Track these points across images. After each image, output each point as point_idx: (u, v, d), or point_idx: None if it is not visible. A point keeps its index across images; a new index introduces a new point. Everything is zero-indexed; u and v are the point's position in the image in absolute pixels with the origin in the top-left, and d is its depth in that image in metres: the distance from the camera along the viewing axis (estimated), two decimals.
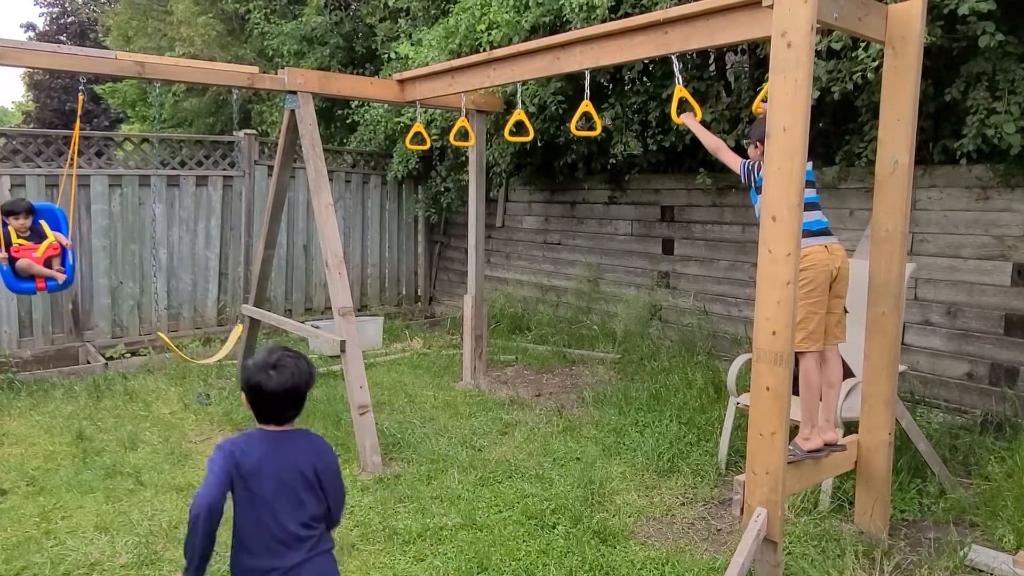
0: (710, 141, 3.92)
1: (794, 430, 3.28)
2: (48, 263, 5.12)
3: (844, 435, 3.69)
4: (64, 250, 5.23)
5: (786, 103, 2.75)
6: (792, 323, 2.80)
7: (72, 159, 5.29)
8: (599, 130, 4.77)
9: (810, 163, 3.51)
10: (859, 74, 4.33)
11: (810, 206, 3.32)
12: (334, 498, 2.20)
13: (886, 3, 3.28)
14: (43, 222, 5.21)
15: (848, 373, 4.10)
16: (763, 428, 2.89)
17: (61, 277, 5.16)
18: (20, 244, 5.03)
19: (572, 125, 4.70)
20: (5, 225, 4.98)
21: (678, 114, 3.88)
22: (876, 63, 4.12)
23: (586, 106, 4.36)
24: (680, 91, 3.82)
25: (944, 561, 3.22)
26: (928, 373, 5.04)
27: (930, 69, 4.35)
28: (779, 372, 2.83)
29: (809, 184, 3.50)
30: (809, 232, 3.30)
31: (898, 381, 3.48)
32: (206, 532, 1.99)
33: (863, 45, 4.27)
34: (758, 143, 3.65)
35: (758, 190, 3.57)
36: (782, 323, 2.80)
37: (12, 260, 4.97)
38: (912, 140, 3.23)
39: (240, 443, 2.11)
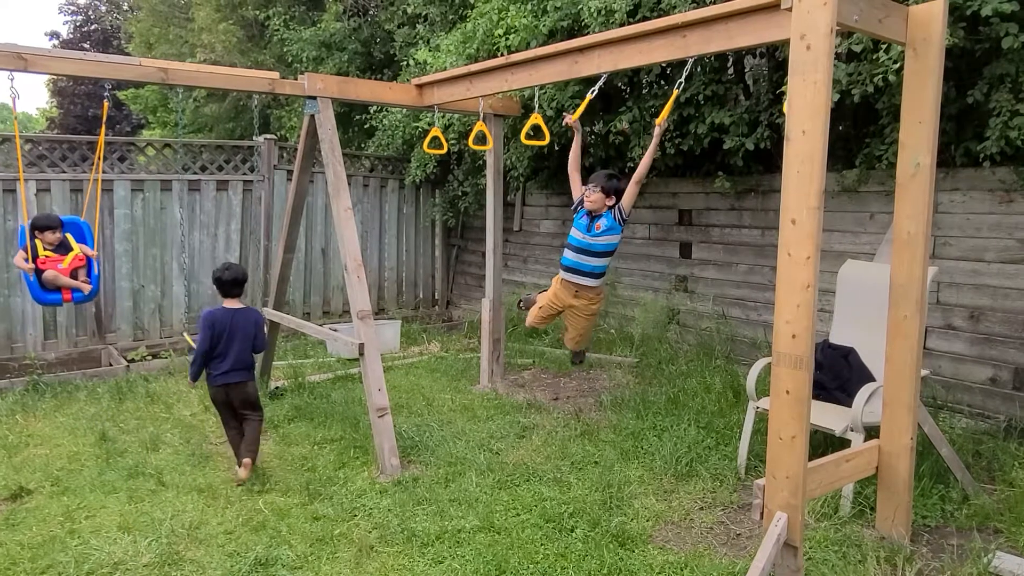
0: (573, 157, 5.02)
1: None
2: (74, 274, 5.21)
3: (865, 439, 3.67)
4: (89, 261, 5.32)
5: (805, 106, 2.74)
6: (812, 326, 2.78)
7: (97, 164, 5.35)
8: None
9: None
10: (880, 76, 4.30)
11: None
12: (260, 338, 4.48)
13: (907, 4, 3.26)
14: (68, 235, 5.30)
15: (868, 377, 4.08)
16: (783, 432, 2.87)
17: (87, 288, 5.26)
18: (47, 256, 5.12)
19: (573, 114, 4.77)
20: (33, 239, 5.07)
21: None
22: (897, 65, 4.09)
23: (586, 102, 4.48)
24: (672, 97, 4.14)
25: (968, 568, 3.18)
26: (950, 378, 4.98)
27: (952, 71, 4.31)
28: (799, 376, 2.81)
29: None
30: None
31: (920, 385, 3.45)
32: (203, 364, 4.29)
33: (884, 47, 4.24)
34: (599, 189, 4.68)
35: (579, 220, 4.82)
36: (802, 327, 2.78)
37: (39, 272, 5.06)
38: (934, 143, 3.21)
39: (215, 315, 4.31)
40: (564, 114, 4.82)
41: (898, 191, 3.32)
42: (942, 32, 3.14)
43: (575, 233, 4.84)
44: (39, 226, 5.15)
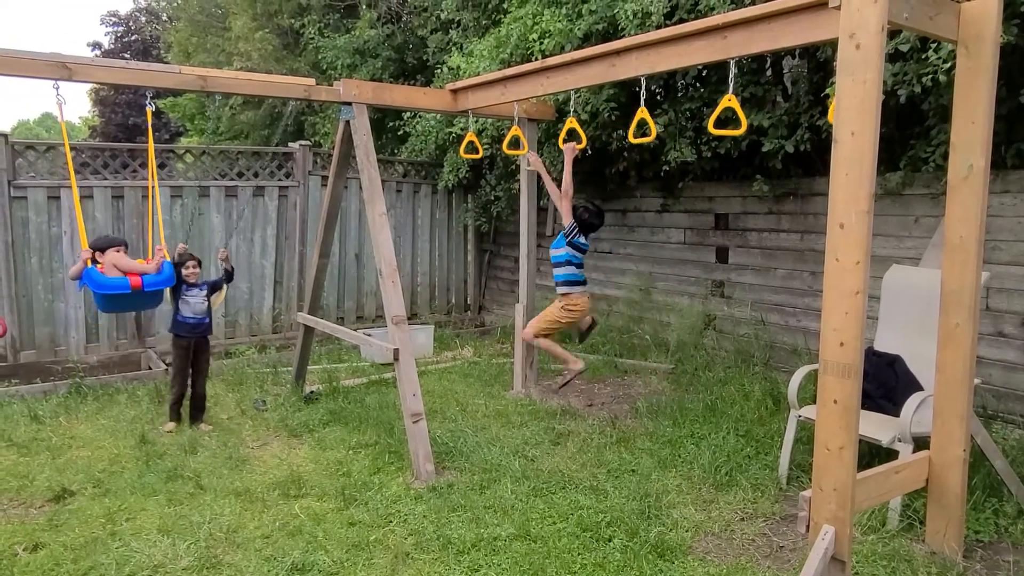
0: (557, 187, 5.80)
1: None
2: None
3: (914, 451, 3.55)
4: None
5: (854, 106, 2.66)
6: (861, 334, 2.70)
7: (151, 171, 5.21)
8: (653, 135, 4.70)
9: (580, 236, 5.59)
10: (928, 76, 4.18)
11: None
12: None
13: (959, 2, 3.15)
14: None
15: (915, 386, 3.95)
16: (830, 443, 2.79)
17: (155, 262, 4.91)
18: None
19: (631, 134, 4.61)
20: (95, 263, 4.83)
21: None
22: (948, 65, 3.97)
23: (642, 113, 4.30)
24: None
25: None
26: (1002, 387, 4.81)
27: (1003, 69, 4.16)
28: (847, 385, 2.72)
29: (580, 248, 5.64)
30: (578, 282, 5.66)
31: (972, 395, 3.32)
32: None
33: (933, 46, 4.12)
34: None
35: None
36: (850, 334, 2.70)
37: (95, 263, 4.81)
38: (988, 144, 3.10)
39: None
40: (529, 153, 5.81)
41: (949, 194, 3.22)
42: (996, 29, 3.04)
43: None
44: (106, 245, 4.91)
